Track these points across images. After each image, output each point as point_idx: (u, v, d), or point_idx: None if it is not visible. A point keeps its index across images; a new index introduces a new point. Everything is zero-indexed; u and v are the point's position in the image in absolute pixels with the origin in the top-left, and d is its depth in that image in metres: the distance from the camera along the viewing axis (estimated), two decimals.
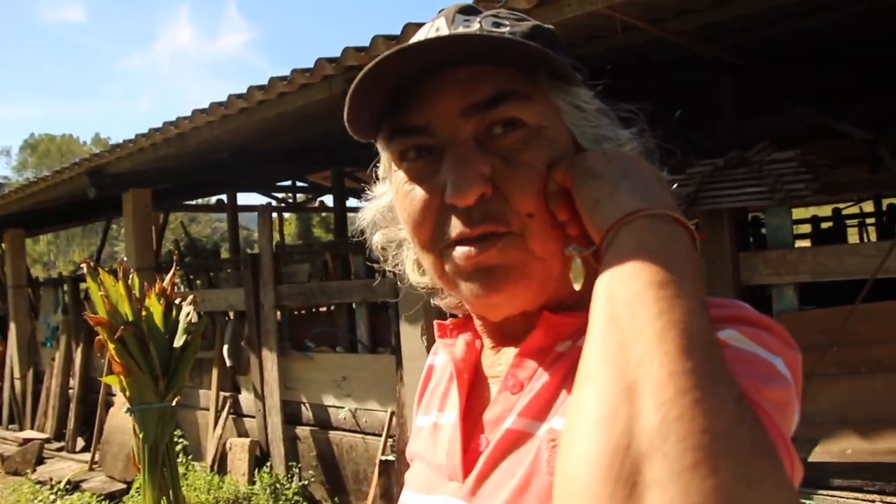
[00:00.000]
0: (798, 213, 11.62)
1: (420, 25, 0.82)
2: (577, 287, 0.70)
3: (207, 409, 7.30)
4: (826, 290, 3.95)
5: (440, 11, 0.84)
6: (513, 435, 0.75)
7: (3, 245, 11.91)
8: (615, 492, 0.47)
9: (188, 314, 4.53)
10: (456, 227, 0.74)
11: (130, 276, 4.51)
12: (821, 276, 3.62)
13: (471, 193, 0.72)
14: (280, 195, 13.32)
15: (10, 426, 11.20)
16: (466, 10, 0.81)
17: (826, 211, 12.17)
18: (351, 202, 11.71)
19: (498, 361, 0.84)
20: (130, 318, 4.37)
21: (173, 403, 4.52)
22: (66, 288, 10.16)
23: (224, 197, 11.80)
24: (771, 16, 4.42)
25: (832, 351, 3.44)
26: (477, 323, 0.88)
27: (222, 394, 7.17)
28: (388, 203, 0.89)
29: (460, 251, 0.74)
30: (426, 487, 0.84)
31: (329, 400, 6.15)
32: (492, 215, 0.73)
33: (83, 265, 4.49)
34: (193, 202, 13.03)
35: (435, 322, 0.95)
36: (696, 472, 0.45)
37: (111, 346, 4.27)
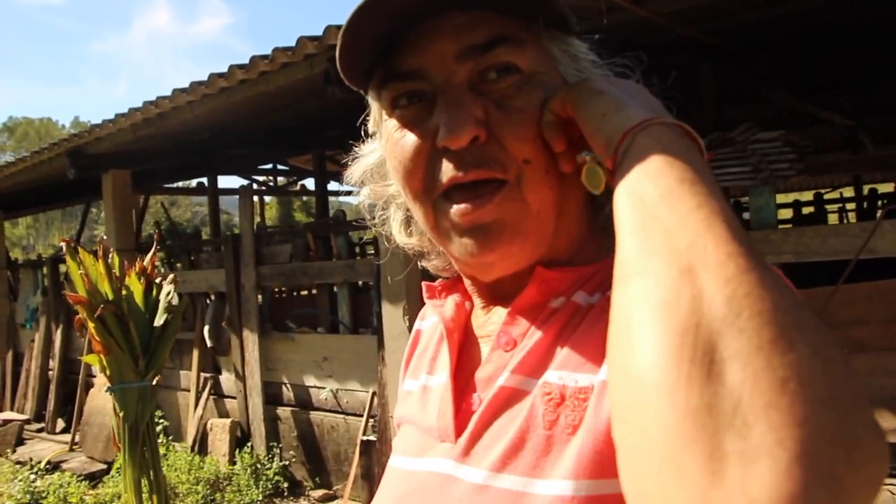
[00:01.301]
0: (780, 198, 11.69)
1: None
2: (596, 191, 0.68)
3: (188, 390, 7.26)
4: (808, 271, 3.97)
5: None
6: (506, 392, 0.73)
7: None
8: (692, 372, 0.44)
9: (169, 293, 4.49)
10: (447, 171, 0.72)
11: (110, 256, 4.46)
12: (804, 256, 3.63)
13: (464, 134, 0.70)
14: (261, 178, 13.24)
15: None
16: None
17: (808, 196, 12.26)
18: (332, 186, 11.68)
19: (489, 321, 0.82)
20: (110, 297, 4.33)
21: (153, 383, 4.49)
22: (45, 270, 10.08)
23: (205, 180, 11.71)
24: (751, 0, 4.43)
25: None
26: (466, 283, 0.86)
27: (203, 375, 7.14)
28: (378, 159, 0.87)
29: (456, 208, 0.72)
30: (416, 451, 0.81)
31: (310, 381, 6.14)
32: (486, 160, 0.71)
33: (63, 244, 4.44)
34: (174, 185, 12.90)
35: (423, 283, 0.93)
36: (777, 346, 0.43)
37: (91, 324, 4.23)
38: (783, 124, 6.40)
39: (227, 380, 6.95)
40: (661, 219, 0.52)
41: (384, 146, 0.81)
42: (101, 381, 7.40)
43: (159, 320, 4.46)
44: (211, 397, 7.04)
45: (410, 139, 0.75)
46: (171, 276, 4.61)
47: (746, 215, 4.32)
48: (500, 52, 0.73)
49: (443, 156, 0.73)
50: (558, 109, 0.71)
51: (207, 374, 7.11)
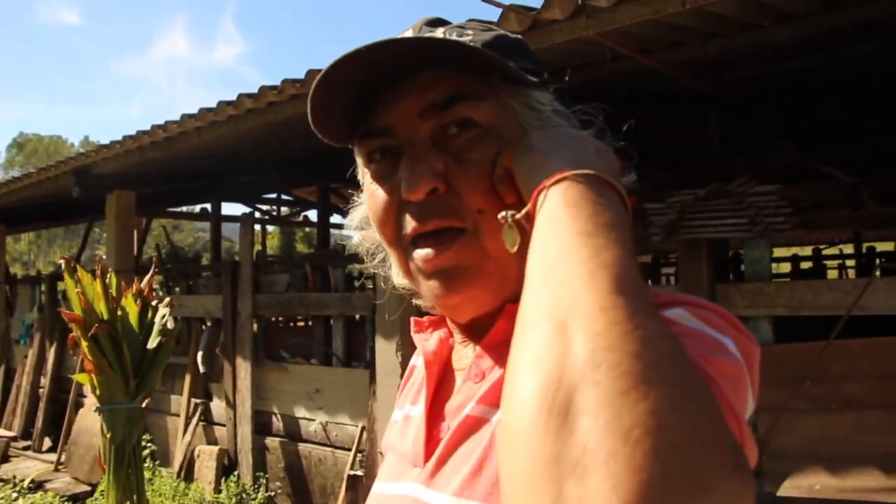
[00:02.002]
0: (779, 251, 11.71)
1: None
2: (512, 250, 0.71)
3: (178, 415, 7.23)
4: (801, 326, 3.97)
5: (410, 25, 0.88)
6: (470, 421, 0.76)
7: None
8: (549, 422, 0.47)
9: (164, 316, 4.50)
10: (410, 222, 0.78)
11: (108, 276, 4.48)
12: (797, 310, 3.63)
13: (421, 188, 0.75)
14: (265, 207, 13.29)
15: None
16: (433, 23, 0.85)
17: (807, 251, 12.27)
18: (335, 218, 11.73)
19: (465, 355, 0.86)
20: (105, 317, 4.34)
21: (143, 405, 4.48)
22: (43, 287, 10.08)
23: (209, 206, 11.76)
24: (760, 54, 4.48)
25: (804, 386, 3.45)
26: (449, 321, 0.91)
27: (194, 400, 7.11)
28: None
29: (420, 253, 0.78)
30: (393, 476, 0.86)
31: (300, 412, 6.11)
32: (444, 211, 0.76)
33: (62, 261, 4.46)
34: (177, 209, 12.95)
35: (412, 318, 0.96)
36: (628, 397, 0.45)
37: (84, 343, 4.24)
38: (788, 177, 6.43)
39: (217, 407, 6.93)
40: (553, 274, 0.56)
41: (364, 197, 0.87)
42: (90, 402, 7.37)
43: (153, 343, 4.47)
44: (200, 424, 7.01)
45: (381, 192, 0.81)
46: (167, 300, 4.62)
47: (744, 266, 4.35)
48: (458, 109, 0.78)
49: (407, 207, 0.78)
50: (506, 164, 0.75)
51: (198, 400, 7.08)
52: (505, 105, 0.80)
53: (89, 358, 4.26)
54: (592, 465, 0.44)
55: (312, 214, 13.82)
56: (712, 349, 0.65)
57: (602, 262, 0.54)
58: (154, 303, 4.63)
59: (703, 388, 0.50)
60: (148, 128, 6.45)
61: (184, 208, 12.99)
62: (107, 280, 4.41)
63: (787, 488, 3.46)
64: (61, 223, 13.86)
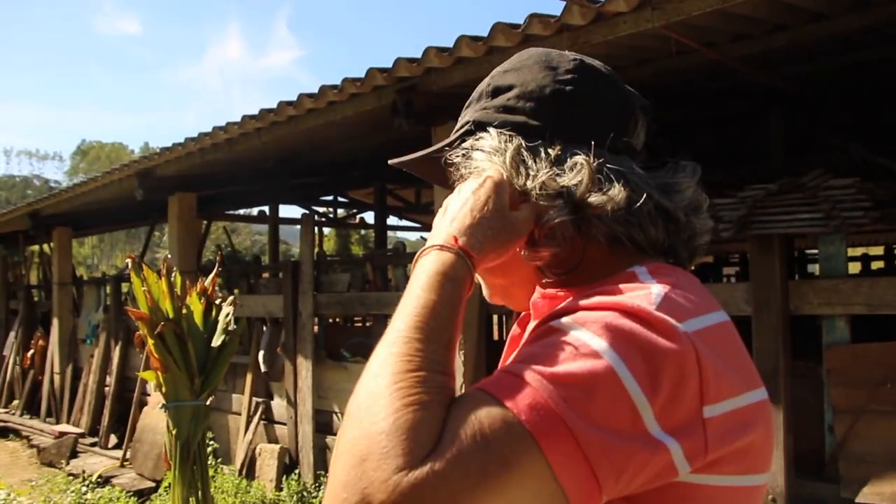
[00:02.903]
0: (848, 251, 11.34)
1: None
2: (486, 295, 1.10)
3: (239, 414, 7.31)
4: (881, 324, 3.83)
5: None
6: None
7: (51, 244, 12.12)
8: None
9: (228, 315, 4.53)
10: None
11: (173, 275, 4.53)
12: (876, 308, 3.49)
13: None
14: (321, 210, 13.38)
15: (48, 419, 11.35)
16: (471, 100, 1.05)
17: (878, 250, 11.91)
18: (392, 220, 11.78)
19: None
20: (171, 316, 4.39)
21: (208, 402, 4.52)
22: (108, 288, 10.31)
23: (266, 209, 11.88)
24: (826, 47, 4.34)
25: (886, 388, 3.32)
26: None
27: (255, 399, 7.18)
28: None
29: None
30: None
31: None
32: None
33: (129, 260, 4.52)
34: (235, 212, 13.12)
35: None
36: (342, 430, 0.73)
37: (150, 341, 4.29)
38: (853, 176, 6.23)
39: (278, 406, 6.98)
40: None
41: None
42: (154, 400, 7.48)
43: (217, 341, 4.51)
44: (261, 422, 7.07)
45: None
46: (231, 298, 4.66)
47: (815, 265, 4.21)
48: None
49: None
50: None
51: (259, 399, 7.15)
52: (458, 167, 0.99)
53: (155, 356, 4.31)
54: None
55: (368, 217, 13.88)
56: (557, 361, 0.72)
57: (392, 328, 0.81)
58: (218, 301, 4.68)
59: (370, 423, 0.70)
60: (209, 130, 6.54)
61: (241, 211, 13.13)
62: (172, 279, 4.47)
63: (867, 494, 3.33)
64: (124, 226, 14.16)
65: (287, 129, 5.98)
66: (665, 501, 0.74)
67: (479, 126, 0.96)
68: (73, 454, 9.04)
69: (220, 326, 4.55)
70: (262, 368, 6.91)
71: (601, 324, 0.74)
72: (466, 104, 1.02)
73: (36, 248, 13.85)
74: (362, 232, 24.23)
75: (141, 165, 7.71)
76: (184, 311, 4.49)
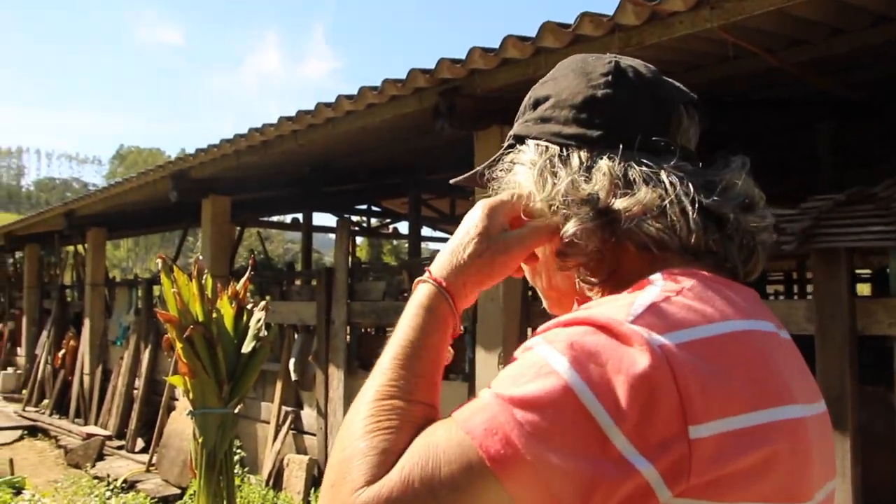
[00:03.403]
0: None
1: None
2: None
3: (268, 423, 7.17)
4: None
5: None
6: None
7: (84, 245, 12.13)
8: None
9: (259, 321, 4.38)
10: None
11: (204, 277, 4.40)
12: None
13: None
14: (354, 218, 13.25)
15: (76, 419, 11.36)
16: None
17: None
18: (425, 231, 11.62)
19: None
20: (200, 319, 4.25)
21: (236, 410, 4.37)
22: (140, 290, 10.25)
23: (300, 216, 11.78)
24: (889, 51, 4.11)
25: None
26: None
27: (284, 408, 7.03)
28: None
29: None
30: None
31: None
32: None
33: (159, 260, 4.40)
34: (268, 219, 13.02)
35: None
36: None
37: (179, 345, 4.15)
38: None
39: (308, 415, 6.82)
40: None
41: None
42: (182, 405, 7.38)
43: (247, 347, 4.36)
44: (290, 432, 6.92)
45: None
46: (262, 303, 4.50)
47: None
48: None
49: None
50: None
51: (289, 408, 7.00)
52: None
53: (183, 360, 4.17)
54: None
55: (402, 227, 13.76)
56: (519, 381, 0.71)
57: (380, 361, 0.87)
58: (249, 306, 4.53)
59: (341, 451, 0.77)
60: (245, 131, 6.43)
61: (275, 218, 13.04)
62: (203, 281, 4.33)
63: None
64: (157, 229, 14.17)
65: (324, 132, 5.85)
66: None
67: (519, 139, 0.97)
68: (100, 456, 8.99)
69: (250, 332, 4.40)
70: (293, 377, 6.77)
71: (566, 342, 0.71)
72: (516, 118, 1.02)
73: (71, 248, 13.90)
74: (394, 242, 24.14)
75: (176, 167, 7.63)
76: (214, 315, 4.35)
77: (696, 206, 0.82)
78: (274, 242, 42.90)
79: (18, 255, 16.05)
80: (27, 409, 12.77)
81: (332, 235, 8.72)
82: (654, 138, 0.88)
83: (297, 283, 7.80)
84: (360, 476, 0.71)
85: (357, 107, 5.32)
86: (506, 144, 0.99)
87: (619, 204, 0.83)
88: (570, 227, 0.85)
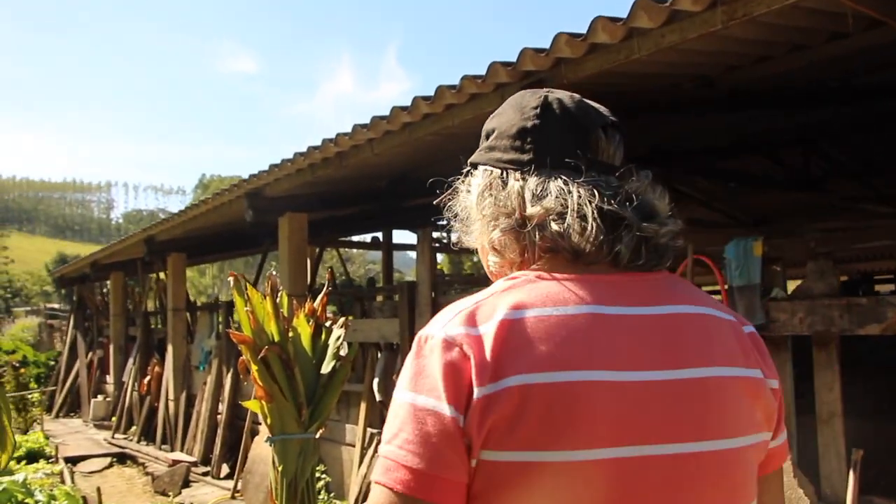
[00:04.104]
0: None
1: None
2: None
3: (353, 445, 6.87)
4: None
5: None
6: None
7: (165, 272, 12.16)
8: None
9: (339, 339, 4.08)
10: None
11: (279, 295, 4.12)
12: None
13: None
14: (435, 234, 12.90)
15: (163, 446, 11.37)
16: None
17: None
18: None
19: None
20: (276, 339, 3.97)
21: (317, 435, 4.07)
22: (220, 314, 10.15)
23: (380, 235, 11.53)
24: None
25: None
26: None
27: (370, 430, 6.73)
28: None
29: None
30: None
31: None
32: None
33: (231, 279, 4.14)
34: (347, 239, 12.78)
35: None
36: None
37: (254, 367, 3.88)
38: None
39: None
40: None
41: None
42: (265, 429, 7.17)
43: (327, 367, 4.05)
44: (377, 455, 6.61)
45: None
46: (342, 320, 4.20)
47: None
48: None
49: None
50: None
51: (374, 430, 6.69)
52: None
53: (259, 383, 3.89)
54: None
55: None
56: (382, 444, 1.02)
57: None
58: (328, 324, 4.23)
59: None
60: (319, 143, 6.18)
61: (354, 238, 12.80)
62: (277, 299, 4.05)
63: None
64: (237, 254, 14.13)
65: (401, 139, 5.55)
66: (484, 486, 0.91)
67: (473, 166, 1.16)
68: (186, 483, 8.90)
69: (329, 351, 4.09)
70: (377, 397, 6.47)
71: (403, 379, 1.01)
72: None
73: (154, 276, 14.00)
74: (475, 258, 23.81)
75: (250, 185, 7.44)
76: (290, 334, 4.06)
77: (595, 211, 0.99)
78: (355, 263, 43.12)
79: (107, 284, 16.31)
80: (116, 435, 12.87)
81: (413, 253, 8.52)
82: (566, 159, 1.05)
83: (379, 299, 7.51)
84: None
85: (434, 109, 5.01)
86: (465, 171, 1.17)
87: (529, 211, 1.02)
88: (496, 234, 1.06)
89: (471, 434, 0.89)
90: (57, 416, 16.25)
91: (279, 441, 3.99)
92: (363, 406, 6.72)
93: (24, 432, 12.65)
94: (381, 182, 7.71)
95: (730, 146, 6.38)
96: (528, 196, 1.03)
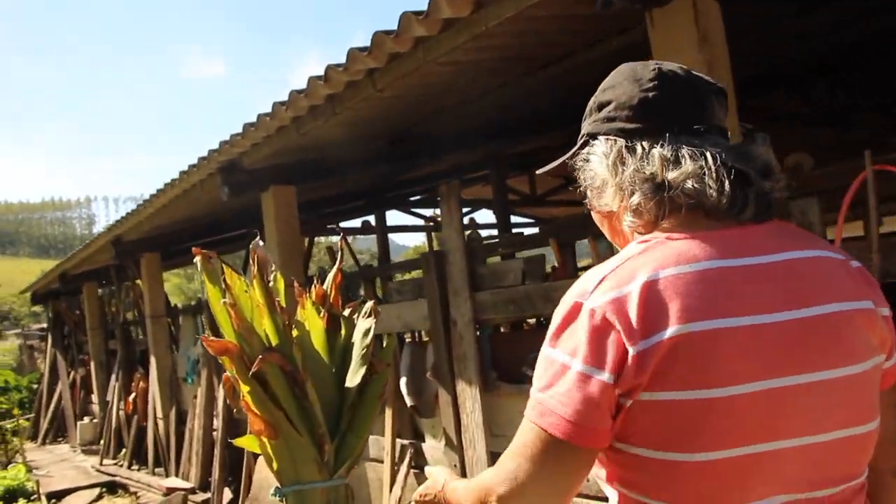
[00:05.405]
0: None
1: None
2: None
3: (380, 462, 5.56)
4: None
5: None
6: None
7: (139, 280, 10.80)
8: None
9: (368, 332, 2.74)
10: None
11: (271, 275, 2.76)
12: None
13: None
14: (428, 213, 11.55)
15: (157, 469, 10.18)
16: None
17: None
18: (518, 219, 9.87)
19: None
20: (273, 342, 2.62)
21: (347, 479, 2.74)
22: (204, 316, 8.77)
23: (371, 219, 10.12)
24: None
25: None
26: None
27: (399, 441, 5.41)
28: None
29: None
30: None
31: None
32: None
33: (197, 258, 2.81)
34: (334, 226, 11.29)
35: None
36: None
37: (244, 388, 2.54)
38: None
39: (433, 449, 5.16)
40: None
41: None
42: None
43: (354, 378, 2.70)
44: (412, 471, 5.28)
45: None
46: (367, 305, 2.84)
47: None
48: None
49: None
50: None
51: (405, 441, 5.37)
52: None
53: (254, 412, 2.54)
54: None
55: (482, 217, 11.99)
56: (537, 377, 1.18)
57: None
58: (347, 312, 2.89)
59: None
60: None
61: (344, 225, 11.31)
62: (270, 281, 2.70)
63: None
64: (219, 250, 12.68)
65: (411, 66, 4.21)
66: (631, 417, 1.08)
67: (592, 136, 1.28)
68: None
69: (356, 353, 2.74)
70: (407, 401, 5.15)
71: (551, 333, 1.16)
72: (583, 119, 1.32)
73: (130, 283, 12.58)
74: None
75: (223, 156, 6.06)
76: (294, 332, 2.71)
77: (731, 171, 1.15)
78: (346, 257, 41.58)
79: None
80: (105, 461, 11.58)
81: (404, 240, 7.34)
82: (694, 126, 1.19)
83: (396, 279, 6.13)
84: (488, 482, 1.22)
85: (459, 11, 3.65)
86: (580, 141, 1.31)
87: (672, 175, 1.15)
88: (636, 198, 1.18)
89: (626, 385, 1.06)
90: (43, 443, 14.94)
91: (292, 494, 2.65)
92: (389, 413, 5.39)
93: (5, 466, 11.39)
94: (380, 142, 6.37)
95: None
96: (665, 160, 1.15)
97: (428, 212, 13.10)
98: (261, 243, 2.88)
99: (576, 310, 1.10)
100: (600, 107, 1.27)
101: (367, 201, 9.53)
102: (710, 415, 1.04)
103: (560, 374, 1.09)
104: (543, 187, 10.21)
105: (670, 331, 1.03)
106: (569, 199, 10.18)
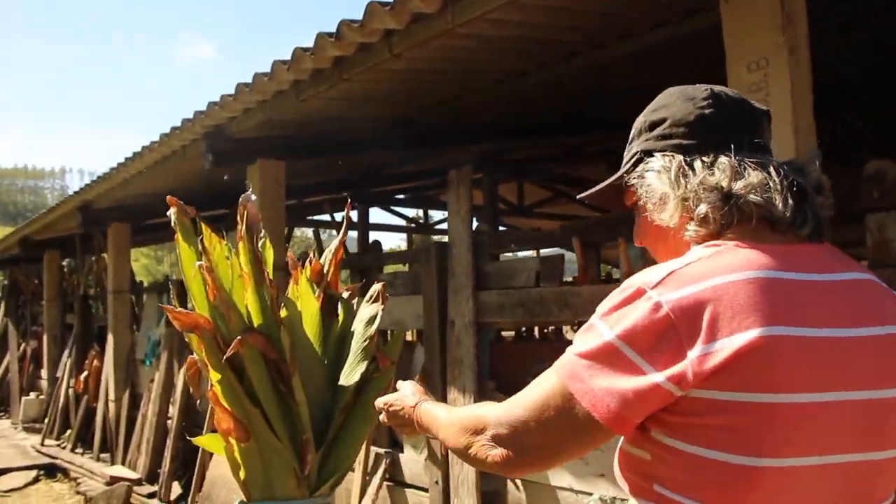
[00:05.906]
0: None
1: None
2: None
3: (351, 470, 5.04)
4: None
5: None
6: None
7: (104, 254, 10.19)
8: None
9: (373, 320, 2.24)
10: None
11: (260, 240, 2.25)
12: None
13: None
14: (411, 213, 11.06)
15: (103, 455, 9.60)
16: None
17: None
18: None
19: None
20: (256, 321, 2.13)
21: (330, 499, 2.24)
22: (173, 294, 8.19)
23: (353, 215, 9.61)
24: None
25: None
26: None
27: (374, 449, 4.90)
28: None
29: None
30: None
31: (563, 479, 3.74)
32: None
33: (172, 210, 2.30)
34: (318, 219, 10.78)
35: None
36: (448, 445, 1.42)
37: (214, 376, 2.03)
38: None
39: (412, 461, 4.66)
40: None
41: None
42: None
43: (351, 375, 2.21)
44: (384, 484, 4.77)
45: None
46: (375, 288, 2.34)
47: None
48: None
49: None
50: None
51: (381, 450, 4.86)
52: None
53: (224, 405, 2.03)
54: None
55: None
56: (581, 342, 1.14)
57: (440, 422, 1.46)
58: (346, 295, 2.38)
59: (460, 438, 1.31)
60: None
61: (323, 218, 10.80)
62: (258, 245, 2.20)
63: None
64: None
65: (438, 30, 3.71)
66: (689, 410, 1.07)
67: (647, 153, 1.27)
68: None
69: (355, 344, 2.24)
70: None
71: (606, 309, 1.12)
72: (629, 141, 1.34)
73: (96, 255, 11.95)
74: None
75: (211, 120, 5.52)
76: (283, 312, 2.21)
77: (793, 185, 1.17)
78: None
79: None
80: (47, 442, 10.91)
81: (386, 240, 6.79)
82: (755, 140, 1.23)
83: (388, 270, 5.62)
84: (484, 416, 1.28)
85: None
86: (633, 160, 1.30)
87: (737, 186, 1.15)
88: (702, 208, 1.16)
89: (681, 381, 1.04)
90: None
91: None
92: None
93: None
94: (386, 124, 5.88)
95: None
96: (730, 174, 1.16)
97: (411, 212, 12.63)
98: (252, 197, 2.38)
99: (638, 294, 1.09)
100: (652, 126, 1.29)
101: (352, 192, 9.00)
102: (755, 419, 1.03)
103: (604, 351, 1.09)
104: (532, 198, 9.85)
105: (740, 335, 1.03)
106: (556, 213, 9.98)
